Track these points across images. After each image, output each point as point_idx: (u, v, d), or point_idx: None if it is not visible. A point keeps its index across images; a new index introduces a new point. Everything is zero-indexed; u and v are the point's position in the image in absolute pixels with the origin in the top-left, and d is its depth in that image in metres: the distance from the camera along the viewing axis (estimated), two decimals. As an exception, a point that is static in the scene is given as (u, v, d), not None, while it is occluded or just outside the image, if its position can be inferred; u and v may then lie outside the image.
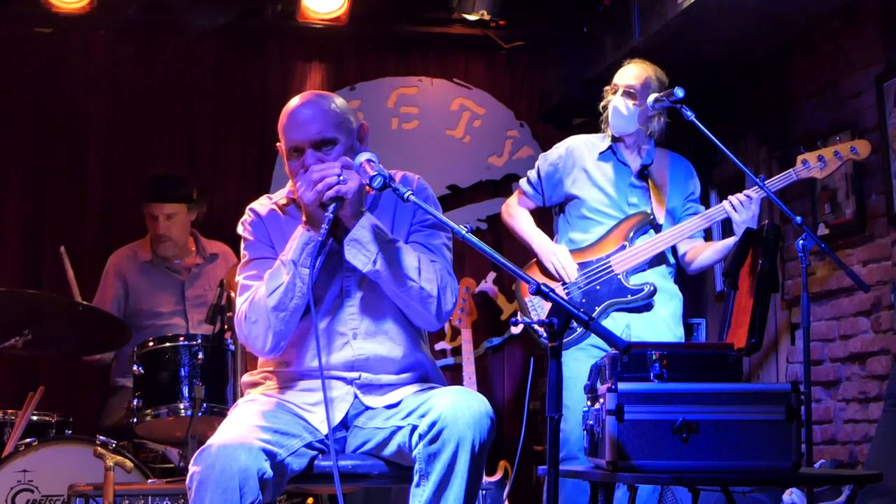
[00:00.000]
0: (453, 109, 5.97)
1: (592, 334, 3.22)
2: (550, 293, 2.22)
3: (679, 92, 3.73)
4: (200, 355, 3.96)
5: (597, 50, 5.39)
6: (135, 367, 4.02)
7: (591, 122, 4.34)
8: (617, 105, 3.92)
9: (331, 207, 2.57)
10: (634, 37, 4.92)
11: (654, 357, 2.62)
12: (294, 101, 2.73)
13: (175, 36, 5.61)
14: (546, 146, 4.39)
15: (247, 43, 5.79)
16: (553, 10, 5.67)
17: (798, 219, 3.62)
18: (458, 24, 5.83)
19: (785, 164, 4.78)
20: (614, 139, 3.97)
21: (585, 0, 5.47)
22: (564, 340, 3.73)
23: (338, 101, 2.74)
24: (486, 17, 5.57)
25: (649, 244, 3.89)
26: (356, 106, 5.71)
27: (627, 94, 3.90)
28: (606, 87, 3.99)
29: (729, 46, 4.92)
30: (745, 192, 3.80)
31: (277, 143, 2.76)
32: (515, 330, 4.11)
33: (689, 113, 3.73)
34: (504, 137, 5.99)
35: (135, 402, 3.97)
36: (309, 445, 2.60)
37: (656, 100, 3.82)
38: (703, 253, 3.98)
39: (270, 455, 2.45)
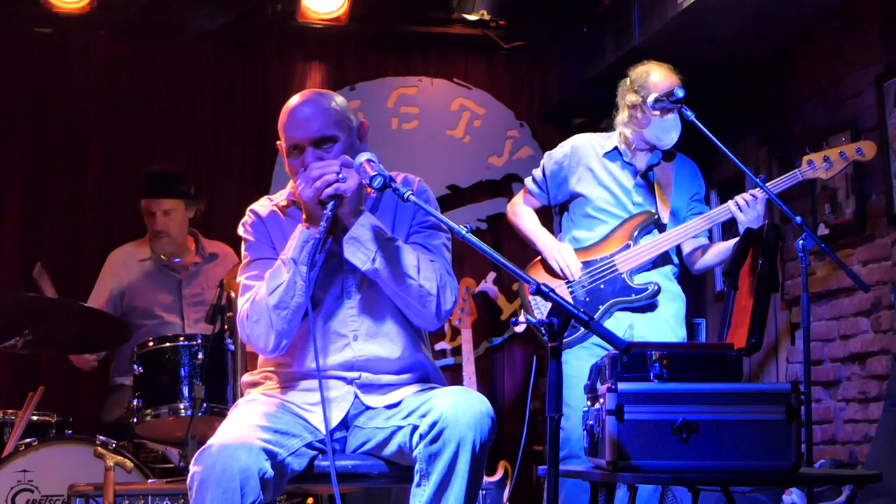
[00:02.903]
0: (453, 109, 5.97)
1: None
2: (550, 293, 2.22)
3: (679, 92, 3.73)
4: (200, 355, 3.96)
5: (597, 50, 5.39)
6: (134, 367, 4.02)
7: (592, 122, 4.34)
8: (671, 122, 3.84)
9: (329, 205, 2.58)
10: (634, 37, 4.92)
11: (654, 357, 2.62)
12: (294, 100, 2.74)
13: (175, 36, 5.61)
14: (546, 146, 4.39)
15: (247, 43, 5.79)
16: (553, 10, 5.67)
17: (798, 219, 3.62)
18: (458, 24, 5.83)
19: (785, 164, 4.79)
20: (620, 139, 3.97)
21: (585, 0, 5.47)
22: (567, 339, 3.74)
23: (338, 100, 2.75)
24: (486, 17, 5.57)
25: (653, 244, 3.88)
26: (356, 106, 5.71)
27: (663, 101, 3.81)
28: (634, 99, 3.87)
29: (729, 46, 4.91)
30: (751, 192, 3.80)
31: (277, 142, 2.76)
32: (518, 329, 4.10)
33: (689, 113, 3.72)
34: (504, 137, 5.99)
35: (135, 402, 3.97)
36: (309, 445, 2.60)
37: (656, 100, 3.82)
38: (708, 253, 3.98)
39: (271, 455, 2.45)
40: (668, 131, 3.88)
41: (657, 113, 3.84)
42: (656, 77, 3.88)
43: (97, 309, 4.35)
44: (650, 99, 3.82)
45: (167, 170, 4.84)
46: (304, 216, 2.67)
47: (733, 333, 2.84)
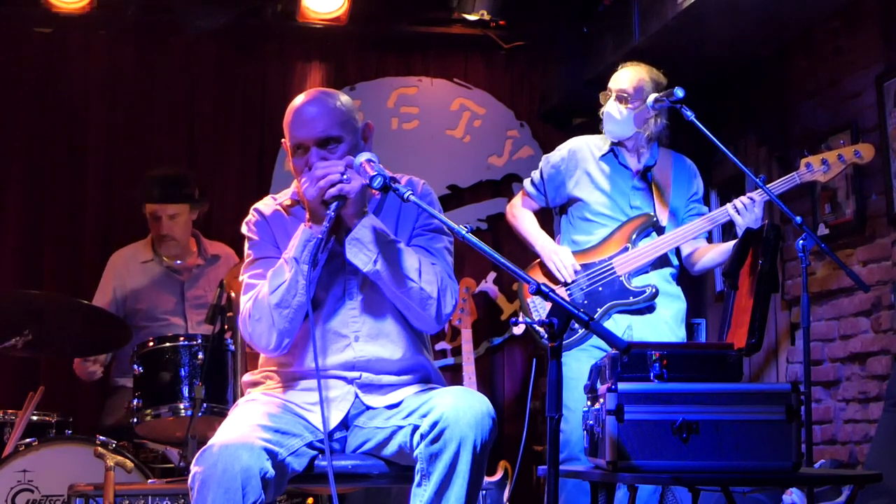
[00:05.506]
0: (453, 109, 5.97)
1: (594, 335, 3.23)
2: (550, 293, 2.22)
3: (679, 92, 3.73)
4: (200, 355, 3.96)
5: (597, 50, 5.39)
6: (135, 367, 4.01)
7: (592, 122, 4.34)
8: (610, 111, 3.92)
9: (333, 205, 2.58)
10: (634, 37, 4.92)
11: (654, 357, 2.62)
12: (299, 99, 2.74)
13: (175, 36, 5.61)
14: (546, 146, 4.39)
15: (247, 43, 5.79)
16: (553, 10, 5.67)
17: (798, 219, 3.62)
18: (458, 24, 5.83)
19: (785, 165, 4.79)
20: (614, 142, 3.98)
21: (585, 0, 5.47)
22: (566, 341, 3.74)
23: (343, 99, 2.75)
24: (486, 17, 5.58)
25: (652, 246, 3.88)
26: (356, 106, 5.70)
27: (620, 98, 3.90)
28: (602, 92, 4.00)
29: (729, 46, 4.92)
30: (749, 194, 3.80)
31: (283, 140, 2.76)
32: (517, 330, 4.11)
33: (689, 113, 3.72)
34: (504, 137, 5.99)
35: (135, 402, 3.97)
36: (309, 445, 2.60)
37: (656, 100, 3.82)
38: (708, 254, 3.98)
39: (272, 454, 2.45)
40: (610, 121, 3.93)
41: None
42: (617, 76, 3.96)
43: (98, 308, 4.34)
44: (650, 99, 3.83)
45: (171, 174, 4.81)
46: (307, 215, 2.67)
47: (733, 333, 2.84)
